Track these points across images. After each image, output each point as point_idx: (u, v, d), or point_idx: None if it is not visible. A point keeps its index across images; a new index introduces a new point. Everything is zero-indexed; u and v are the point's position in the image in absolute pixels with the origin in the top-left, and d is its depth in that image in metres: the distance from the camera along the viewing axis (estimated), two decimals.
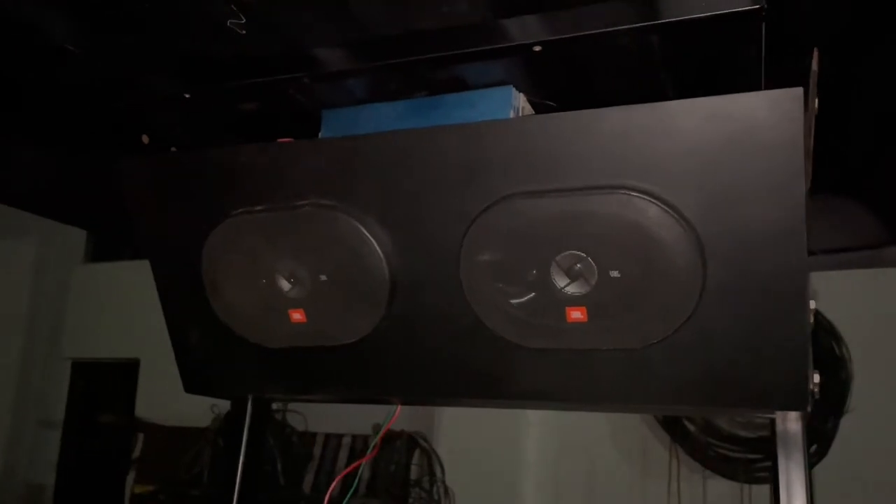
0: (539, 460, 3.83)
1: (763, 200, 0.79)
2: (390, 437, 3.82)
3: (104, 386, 5.21)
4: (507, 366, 0.94)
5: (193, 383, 1.12)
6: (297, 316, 1.00)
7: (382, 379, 1.02)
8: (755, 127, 0.77)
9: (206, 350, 1.09)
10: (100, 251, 5.24)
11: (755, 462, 3.38)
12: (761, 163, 0.78)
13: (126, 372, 4.95)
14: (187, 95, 0.96)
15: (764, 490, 3.35)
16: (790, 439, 0.93)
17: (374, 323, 0.97)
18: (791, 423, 0.93)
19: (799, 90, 0.75)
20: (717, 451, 3.48)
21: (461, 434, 3.83)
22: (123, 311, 4.70)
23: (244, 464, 1.20)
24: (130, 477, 4.67)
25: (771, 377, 0.84)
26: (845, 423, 3.10)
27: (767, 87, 0.76)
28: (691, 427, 3.47)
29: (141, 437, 4.70)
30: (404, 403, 1.08)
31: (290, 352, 1.04)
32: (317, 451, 4.29)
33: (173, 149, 1.12)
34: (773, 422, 0.95)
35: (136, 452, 4.70)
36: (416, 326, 0.97)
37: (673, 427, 3.49)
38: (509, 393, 0.96)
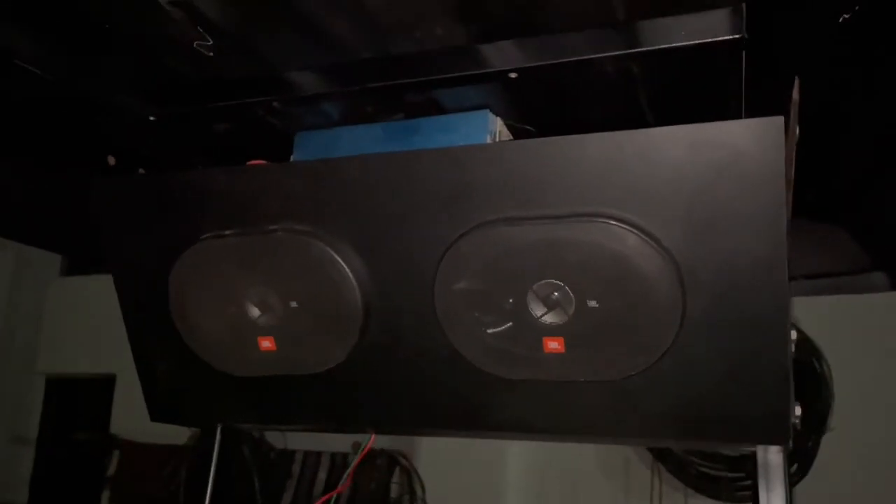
0: (521, 478, 3.79)
1: (744, 230, 0.77)
2: (370, 456, 3.78)
3: (79, 402, 5.12)
4: (485, 396, 0.91)
5: (159, 411, 1.09)
6: (266, 344, 0.97)
7: (356, 409, 0.99)
8: (736, 155, 0.76)
9: (172, 377, 1.05)
10: (75, 265, 5.16)
11: (737, 481, 3.36)
12: (742, 191, 0.76)
13: (102, 388, 4.87)
14: (152, 118, 0.93)
15: None
16: (771, 472, 0.90)
17: (347, 351, 0.94)
18: (772, 455, 0.91)
19: (780, 119, 0.73)
20: (698, 470, 3.46)
21: (442, 452, 3.78)
22: (100, 325, 4.60)
23: (212, 493, 1.16)
24: (105, 495, 4.58)
25: (752, 410, 0.82)
26: (826, 443, 3.09)
27: (749, 116, 0.74)
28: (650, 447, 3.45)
29: (116, 454, 4.61)
30: (379, 433, 1.05)
31: (260, 380, 1.01)
32: (295, 469, 4.23)
33: (141, 170, 1.09)
34: (753, 453, 0.93)
35: (111, 470, 4.61)
36: (390, 355, 0.94)
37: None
38: (487, 424, 0.93)
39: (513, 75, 0.81)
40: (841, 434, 3.04)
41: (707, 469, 3.44)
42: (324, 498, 1.09)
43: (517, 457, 3.78)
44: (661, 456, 3.50)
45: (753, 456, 0.93)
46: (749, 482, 3.39)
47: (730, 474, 3.38)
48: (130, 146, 1.06)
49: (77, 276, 5.06)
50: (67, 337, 4.91)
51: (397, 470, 3.91)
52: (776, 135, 0.74)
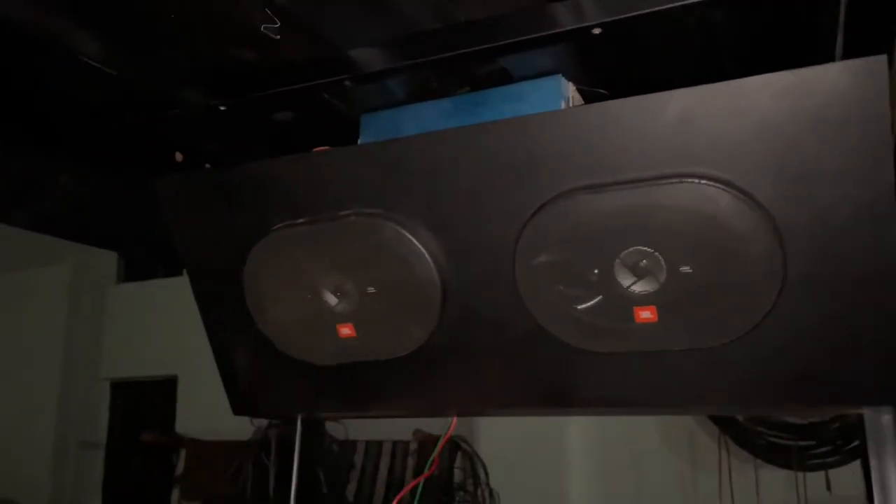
0: (583, 456, 3.76)
1: (846, 181, 0.73)
2: (432, 442, 3.78)
3: (144, 404, 5.25)
4: (573, 372, 0.89)
5: (241, 405, 1.09)
6: (346, 331, 0.95)
7: (440, 392, 0.97)
8: (835, 101, 0.71)
9: (253, 370, 1.05)
10: (132, 271, 5.27)
11: (808, 449, 3.28)
12: (843, 140, 0.72)
13: (165, 389, 4.98)
14: (223, 108, 0.92)
15: (818, 477, 3.25)
16: (883, 435, 0.86)
17: (428, 333, 0.92)
18: (883, 417, 0.86)
19: (883, 58, 0.68)
20: (767, 440, 3.38)
21: (502, 434, 3.77)
22: (159, 328, 4.73)
23: (297, 487, 1.16)
24: (174, 493, 4.69)
25: (862, 371, 0.78)
26: None
27: (845, 59, 0.69)
28: (739, 416, 3.37)
29: (183, 453, 4.72)
30: (462, 415, 1.03)
31: (340, 368, 1.00)
32: (358, 459, 4.27)
33: (207, 165, 1.08)
34: (860, 417, 0.88)
35: (179, 469, 4.71)
36: (472, 335, 0.92)
37: (720, 417, 3.40)
38: (576, 401, 0.90)
39: (597, 31, 0.77)
40: None
41: (776, 439, 3.35)
42: (413, 483, 1.08)
43: (578, 435, 3.75)
44: (727, 427, 3.43)
45: (860, 420, 0.88)
46: (821, 450, 3.29)
47: (800, 443, 3.29)
48: (194, 142, 1.05)
49: (134, 283, 5.18)
50: (129, 342, 5.03)
51: (459, 455, 3.91)
52: (879, 75, 0.69)
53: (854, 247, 0.74)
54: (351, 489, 4.23)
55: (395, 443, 4.16)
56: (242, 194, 0.96)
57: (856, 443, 3.13)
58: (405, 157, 0.88)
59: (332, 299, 0.95)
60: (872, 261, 0.74)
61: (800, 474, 3.29)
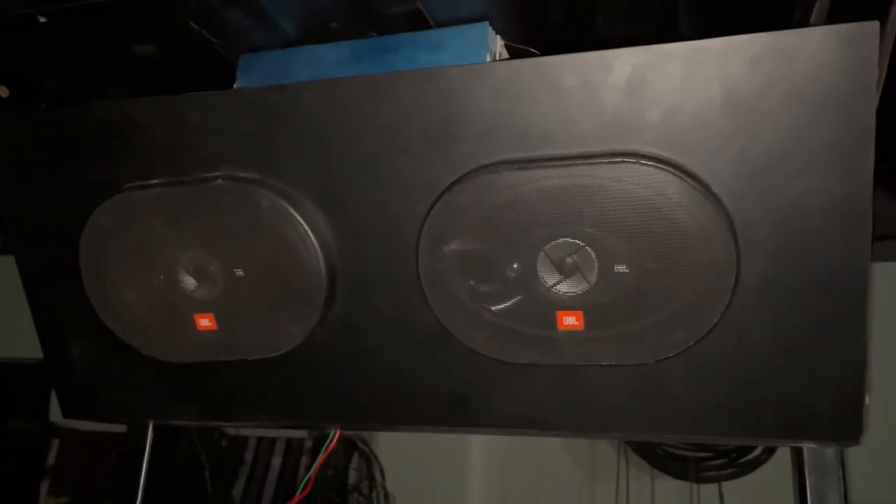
0: (484, 462, 3.68)
1: (819, 171, 0.61)
2: (326, 439, 3.60)
3: (14, 389, 4.83)
4: (480, 385, 0.74)
5: (74, 405, 0.89)
6: (205, 322, 0.77)
7: (316, 401, 0.81)
8: (816, 73, 0.59)
9: (87, 365, 0.85)
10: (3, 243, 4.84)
11: (704, 461, 3.29)
12: (819, 118, 0.60)
13: (39, 373, 4.59)
14: (43, 19, 0.72)
15: (711, 489, 3.26)
16: (826, 471, 0.75)
17: (307, 331, 0.76)
18: (826, 451, 0.75)
19: (875, 24, 0.57)
20: (665, 450, 3.38)
21: (402, 436, 3.64)
22: None
23: (144, 495, 0.97)
24: (44, 487, 4.32)
25: (817, 401, 0.66)
26: None
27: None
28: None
29: (56, 443, 4.35)
30: (345, 430, 0.87)
31: (197, 367, 0.81)
32: (248, 455, 4.04)
33: (43, 105, 0.87)
34: (799, 450, 0.77)
35: (51, 460, 4.35)
36: (361, 336, 0.76)
37: None
38: (483, 419, 0.76)
39: None
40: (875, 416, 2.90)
41: (673, 449, 3.35)
42: (299, 497, 0.91)
43: (481, 440, 3.66)
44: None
45: (798, 452, 0.77)
46: (716, 462, 3.31)
47: (697, 454, 3.31)
48: (24, 73, 0.84)
49: (5, 256, 4.76)
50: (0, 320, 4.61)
51: (355, 455, 3.75)
52: (868, 45, 0.57)
53: (819, 251, 0.62)
54: (238, 488, 3.99)
55: (289, 440, 3.96)
56: (84, 143, 0.77)
57: (751, 455, 3.16)
58: (291, 109, 0.71)
59: (190, 282, 0.76)
60: (839, 268, 0.62)
61: (694, 485, 3.30)
